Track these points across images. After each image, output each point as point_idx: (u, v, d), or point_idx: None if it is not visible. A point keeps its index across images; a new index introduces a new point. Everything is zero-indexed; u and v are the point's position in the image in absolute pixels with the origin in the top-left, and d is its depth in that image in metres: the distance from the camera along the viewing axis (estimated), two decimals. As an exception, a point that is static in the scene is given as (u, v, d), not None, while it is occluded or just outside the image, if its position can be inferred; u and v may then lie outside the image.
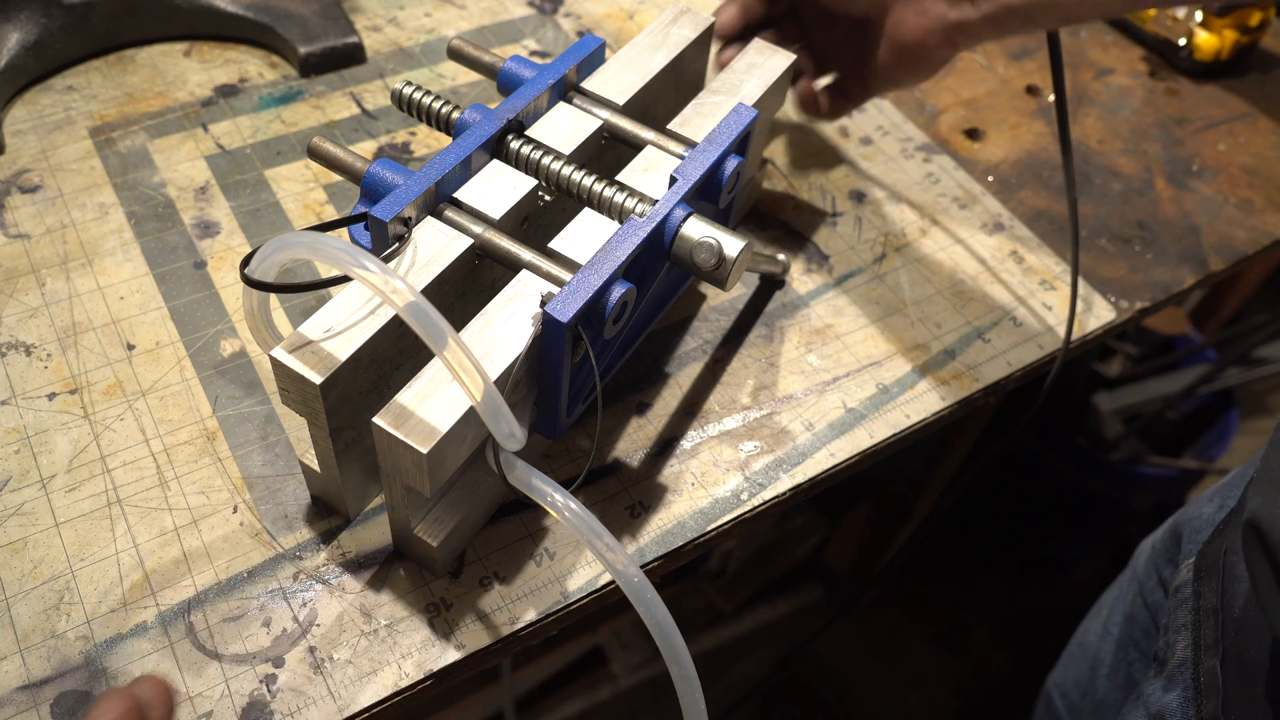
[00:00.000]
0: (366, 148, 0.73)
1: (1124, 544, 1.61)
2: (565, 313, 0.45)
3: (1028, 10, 0.56)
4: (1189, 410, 1.39)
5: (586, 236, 0.50)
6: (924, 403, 0.63)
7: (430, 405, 0.43)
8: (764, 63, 0.62)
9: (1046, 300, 0.70)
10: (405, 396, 0.44)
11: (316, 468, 0.51)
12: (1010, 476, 1.39)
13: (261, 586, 0.51)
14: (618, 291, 0.47)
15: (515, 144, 0.54)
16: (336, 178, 0.70)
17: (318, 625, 0.50)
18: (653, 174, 0.55)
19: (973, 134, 0.82)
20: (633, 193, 0.53)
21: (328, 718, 0.47)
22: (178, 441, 0.56)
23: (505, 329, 0.46)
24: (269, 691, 0.47)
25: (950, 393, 0.64)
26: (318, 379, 0.44)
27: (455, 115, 0.56)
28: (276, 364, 0.44)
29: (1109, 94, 0.88)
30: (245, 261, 0.45)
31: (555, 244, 0.50)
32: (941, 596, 1.54)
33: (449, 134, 0.57)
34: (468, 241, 0.50)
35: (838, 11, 0.64)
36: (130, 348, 0.59)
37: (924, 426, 0.63)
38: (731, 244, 0.50)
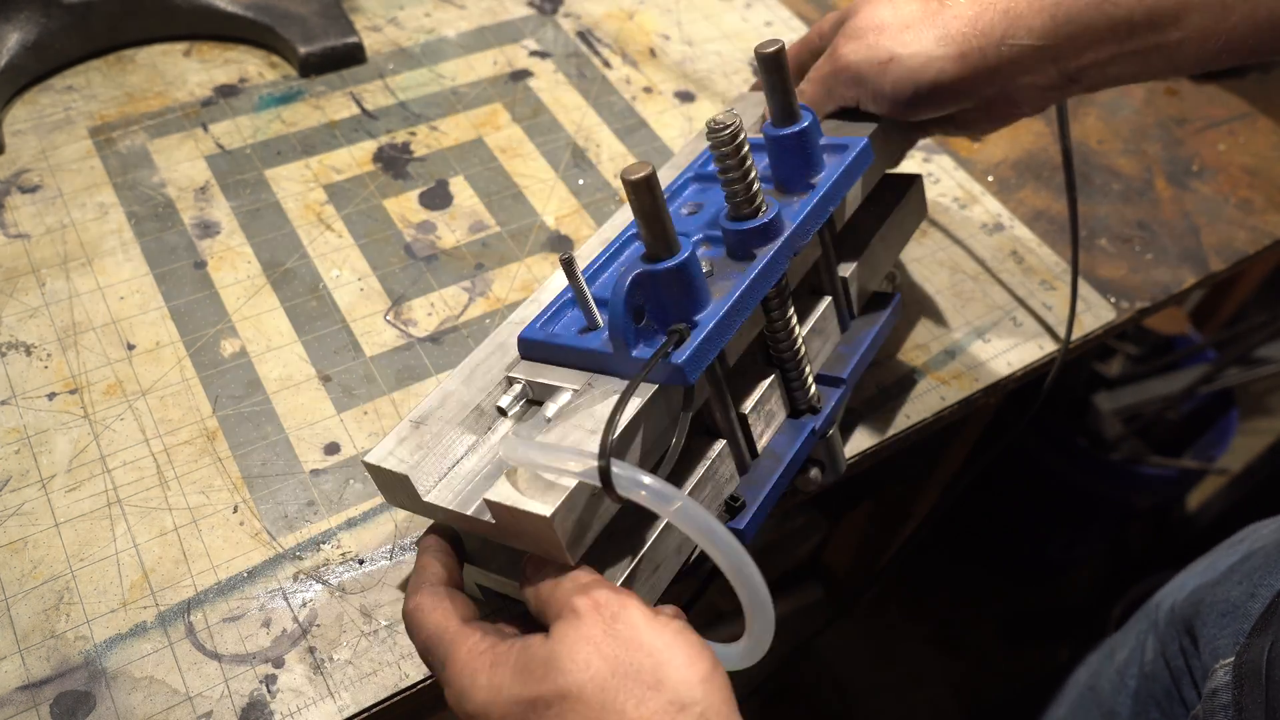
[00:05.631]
0: (366, 148, 0.73)
1: (1124, 544, 1.61)
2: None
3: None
4: (1189, 410, 1.39)
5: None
6: (924, 403, 0.63)
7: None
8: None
9: (1046, 300, 0.70)
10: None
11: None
12: (1010, 476, 1.39)
13: (261, 586, 0.51)
14: None
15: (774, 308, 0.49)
16: (336, 177, 0.70)
17: (318, 625, 0.50)
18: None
19: (973, 134, 0.82)
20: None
21: (327, 718, 0.47)
22: (178, 441, 0.56)
23: None
24: (269, 691, 0.47)
25: (950, 393, 0.64)
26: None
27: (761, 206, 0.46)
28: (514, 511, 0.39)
29: (1109, 94, 0.88)
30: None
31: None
32: (941, 596, 1.54)
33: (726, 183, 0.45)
34: None
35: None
36: (130, 348, 0.59)
37: (924, 426, 0.63)
38: None
